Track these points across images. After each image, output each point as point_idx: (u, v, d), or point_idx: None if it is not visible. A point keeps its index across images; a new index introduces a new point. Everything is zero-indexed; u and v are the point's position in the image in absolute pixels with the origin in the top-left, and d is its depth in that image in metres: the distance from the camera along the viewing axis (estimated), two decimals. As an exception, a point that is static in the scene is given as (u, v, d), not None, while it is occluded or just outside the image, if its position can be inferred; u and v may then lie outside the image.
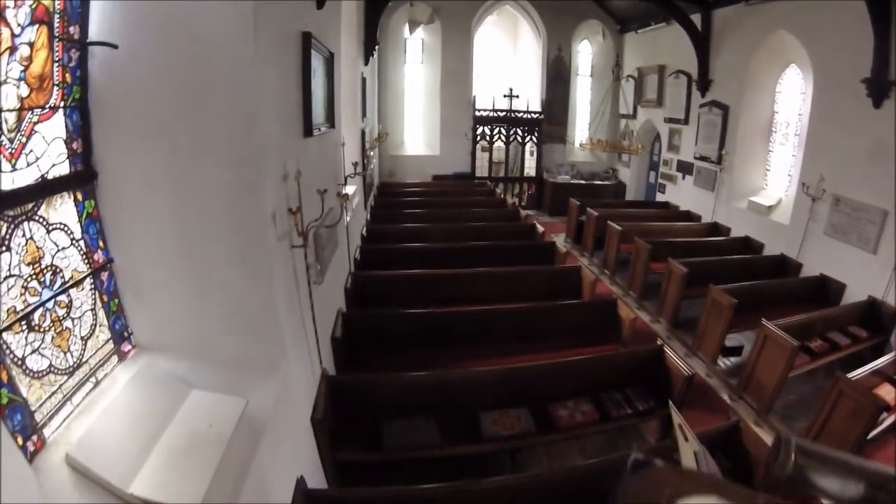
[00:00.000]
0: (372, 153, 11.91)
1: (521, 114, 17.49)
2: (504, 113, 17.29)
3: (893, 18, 8.40)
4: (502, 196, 15.51)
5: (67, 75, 2.75)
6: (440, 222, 10.91)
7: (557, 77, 17.81)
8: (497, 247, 9.45)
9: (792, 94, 11.85)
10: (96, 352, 3.03)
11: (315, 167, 5.00)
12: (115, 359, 3.18)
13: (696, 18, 13.32)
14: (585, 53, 18.71)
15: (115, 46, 2.80)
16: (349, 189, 7.68)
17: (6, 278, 2.31)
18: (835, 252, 9.62)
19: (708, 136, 13.58)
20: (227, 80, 3.06)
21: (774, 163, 12.51)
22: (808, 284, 9.45)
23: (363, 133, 10.05)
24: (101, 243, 3.11)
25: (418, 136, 17.90)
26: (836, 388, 5.59)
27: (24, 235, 2.46)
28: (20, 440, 2.27)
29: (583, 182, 17.68)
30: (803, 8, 10.49)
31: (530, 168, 18.17)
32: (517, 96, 17.41)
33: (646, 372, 5.83)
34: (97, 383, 2.95)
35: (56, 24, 2.60)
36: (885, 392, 6.33)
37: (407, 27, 16.46)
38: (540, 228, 10.63)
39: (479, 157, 17.53)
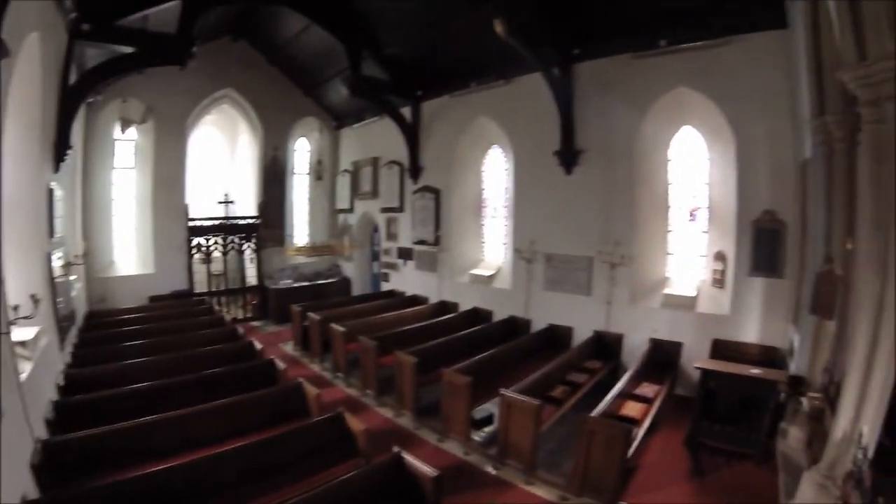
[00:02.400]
0: (73, 278, 10.07)
1: (238, 219, 16.46)
2: (220, 220, 16.08)
3: (574, 98, 10.48)
4: (225, 311, 14.54)
5: None
6: (158, 353, 9.17)
7: (274, 177, 17.34)
8: (219, 375, 8.13)
9: (496, 172, 13.38)
10: None
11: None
12: None
13: (407, 111, 14.39)
14: (303, 151, 18.70)
15: None
16: (23, 334, 6.20)
17: None
18: (557, 302, 11.00)
19: (423, 219, 14.44)
20: None
21: (489, 235, 13.78)
22: (541, 337, 10.44)
23: (51, 256, 8.30)
24: None
25: (131, 252, 15.31)
26: (586, 429, 6.12)
27: None
28: None
29: (307, 284, 16.87)
30: (498, 97, 12.24)
31: (252, 276, 16.94)
32: (232, 201, 16.35)
33: (393, 482, 5.43)
34: None
35: None
36: (630, 409, 7.23)
37: (119, 126, 14.36)
38: (258, 345, 9.74)
39: (198, 270, 15.78)
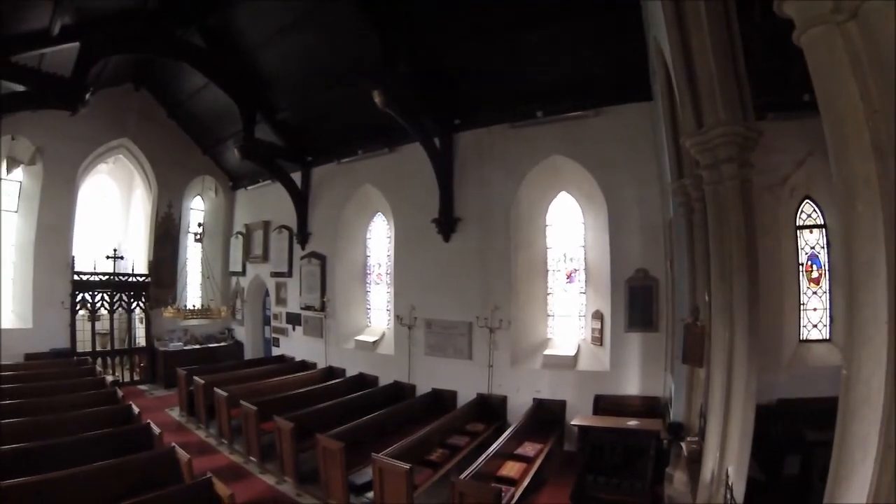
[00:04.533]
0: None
1: (128, 276, 15.45)
2: (108, 276, 15.02)
3: (454, 166, 10.85)
4: (110, 373, 13.53)
5: None
6: (29, 415, 8.42)
7: (166, 236, 16.41)
8: (90, 439, 7.49)
9: (380, 239, 13.41)
10: None
11: None
12: None
13: (298, 176, 14.28)
14: (197, 210, 17.79)
15: None
16: None
17: None
18: (440, 367, 10.86)
19: (311, 285, 14.12)
20: None
21: (373, 301, 13.63)
22: (425, 401, 10.21)
23: None
24: None
25: (7, 304, 13.51)
26: (456, 493, 5.82)
27: None
28: None
29: (198, 347, 16.13)
30: (382, 165, 12.38)
31: (141, 337, 15.81)
32: (122, 257, 15.50)
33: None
34: None
35: None
36: (509, 469, 6.90)
37: (4, 164, 13.16)
38: (136, 410, 9.03)
39: (82, 328, 14.40)
